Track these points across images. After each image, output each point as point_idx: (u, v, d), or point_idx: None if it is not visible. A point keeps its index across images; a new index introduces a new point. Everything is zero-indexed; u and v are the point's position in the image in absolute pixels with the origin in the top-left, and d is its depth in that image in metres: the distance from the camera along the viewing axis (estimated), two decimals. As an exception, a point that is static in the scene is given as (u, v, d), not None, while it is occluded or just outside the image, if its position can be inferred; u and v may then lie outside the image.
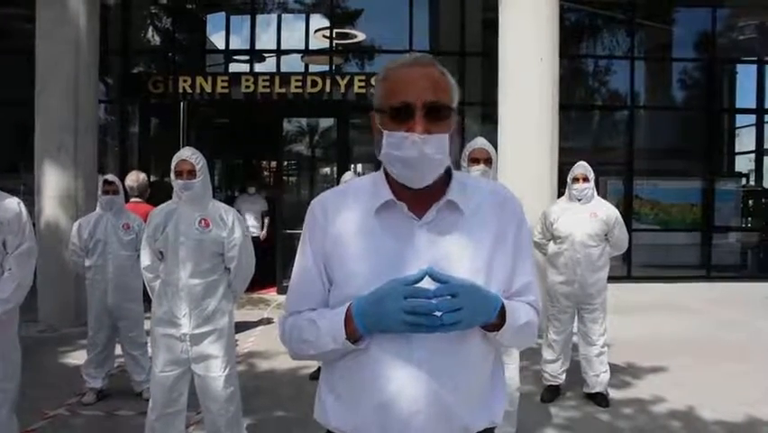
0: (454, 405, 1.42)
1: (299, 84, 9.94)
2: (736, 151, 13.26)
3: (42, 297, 6.85)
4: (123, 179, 5.25)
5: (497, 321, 1.42)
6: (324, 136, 15.34)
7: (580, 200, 4.66)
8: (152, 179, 9.12)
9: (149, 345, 4.28)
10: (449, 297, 1.31)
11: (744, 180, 12.50)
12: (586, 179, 4.63)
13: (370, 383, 1.42)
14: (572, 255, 4.66)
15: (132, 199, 5.40)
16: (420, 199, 1.45)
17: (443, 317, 1.30)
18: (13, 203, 3.02)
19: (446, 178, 1.49)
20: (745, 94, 12.88)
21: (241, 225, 3.52)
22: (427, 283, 1.34)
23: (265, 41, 11.46)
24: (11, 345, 3.06)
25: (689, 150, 12.09)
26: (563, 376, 4.85)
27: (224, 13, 11.79)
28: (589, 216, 4.63)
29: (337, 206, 1.52)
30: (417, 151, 1.38)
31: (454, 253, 1.44)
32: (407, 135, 1.38)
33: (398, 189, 1.46)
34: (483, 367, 1.49)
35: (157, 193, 5.86)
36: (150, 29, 11.92)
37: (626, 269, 10.10)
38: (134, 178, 5.63)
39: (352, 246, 1.46)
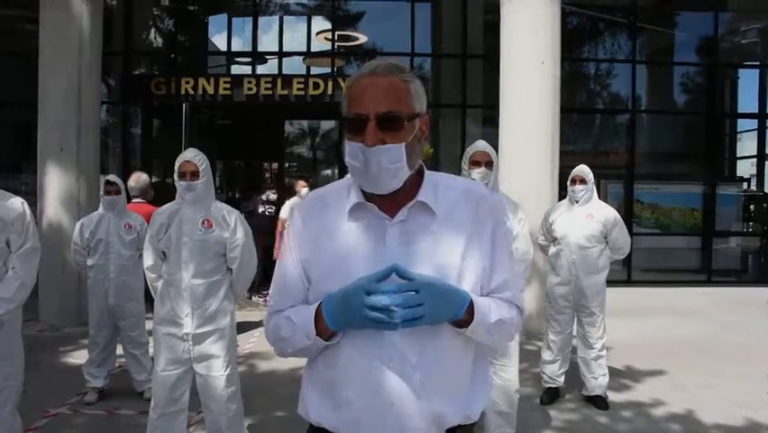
0: (427, 399, 1.44)
1: (301, 86, 9.97)
2: (738, 155, 13.27)
3: (44, 297, 6.87)
4: (125, 180, 5.28)
5: (465, 318, 1.44)
6: (326, 138, 15.41)
7: (577, 202, 4.69)
8: (154, 180, 9.13)
9: (150, 344, 4.31)
10: (412, 293, 1.34)
11: (745, 185, 12.48)
12: (582, 181, 4.66)
13: (345, 379, 1.46)
14: (568, 256, 4.68)
15: (134, 200, 5.42)
16: (392, 200, 1.47)
17: (401, 312, 1.32)
18: (17, 203, 3.05)
19: (419, 178, 1.51)
20: (747, 98, 12.91)
21: (243, 225, 3.54)
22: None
23: (267, 43, 11.50)
24: (14, 343, 3.08)
25: (690, 154, 12.09)
26: (562, 378, 4.86)
27: (226, 15, 11.83)
28: (585, 218, 4.64)
29: (315, 209, 1.56)
30: (369, 162, 1.41)
31: (425, 252, 1.46)
32: (360, 147, 1.41)
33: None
34: (459, 363, 1.51)
35: (158, 194, 5.87)
36: (153, 30, 11.95)
37: (627, 273, 10.09)
38: (135, 178, 5.65)
39: (327, 247, 1.50)
